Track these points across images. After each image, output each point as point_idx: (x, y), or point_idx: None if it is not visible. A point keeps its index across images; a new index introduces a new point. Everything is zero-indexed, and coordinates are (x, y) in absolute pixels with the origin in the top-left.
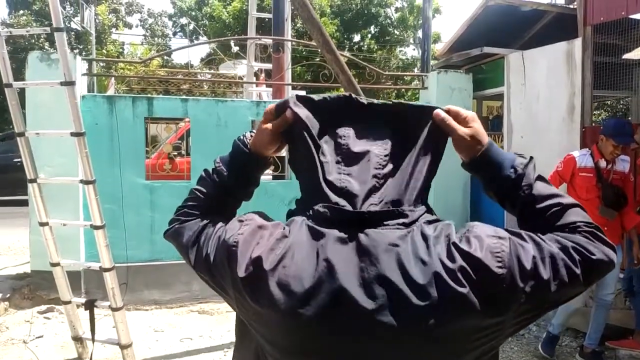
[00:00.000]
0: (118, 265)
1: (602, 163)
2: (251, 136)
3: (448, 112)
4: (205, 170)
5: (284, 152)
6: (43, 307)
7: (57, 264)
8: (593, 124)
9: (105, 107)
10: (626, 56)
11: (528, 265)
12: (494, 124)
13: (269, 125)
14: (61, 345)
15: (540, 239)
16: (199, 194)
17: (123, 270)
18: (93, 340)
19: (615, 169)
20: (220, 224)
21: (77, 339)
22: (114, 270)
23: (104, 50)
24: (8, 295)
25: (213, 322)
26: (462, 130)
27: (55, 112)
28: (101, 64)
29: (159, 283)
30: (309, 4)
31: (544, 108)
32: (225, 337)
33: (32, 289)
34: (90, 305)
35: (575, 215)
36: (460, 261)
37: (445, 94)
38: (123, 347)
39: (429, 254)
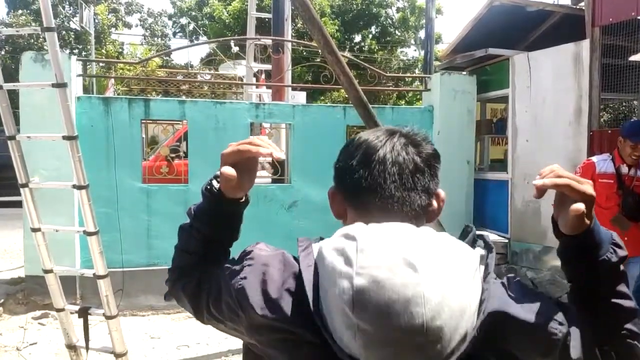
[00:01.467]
0: (114, 270)
1: (624, 169)
2: (217, 181)
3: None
4: (182, 227)
5: (283, 155)
6: (37, 313)
7: (50, 271)
8: (600, 128)
9: (101, 108)
10: (632, 58)
11: (574, 354)
12: (498, 127)
13: (228, 170)
14: (55, 353)
15: (590, 329)
16: (183, 252)
17: (119, 275)
18: (87, 348)
19: (638, 176)
20: (218, 272)
21: (71, 347)
22: (108, 277)
23: (103, 50)
24: (2, 300)
25: (210, 328)
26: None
27: (49, 114)
28: (101, 65)
29: (156, 288)
30: (310, 3)
31: (549, 111)
32: (223, 344)
33: (27, 294)
34: (84, 313)
35: (632, 324)
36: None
37: (448, 96)
38: (118, 356)
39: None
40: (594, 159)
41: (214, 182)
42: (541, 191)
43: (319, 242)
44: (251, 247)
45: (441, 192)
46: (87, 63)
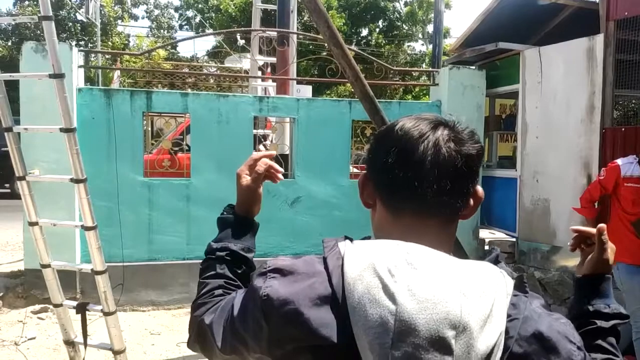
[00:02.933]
0: (114, 265)
1: None
2: (231, 208)
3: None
4: (204, 261)
5: (287, 150)
6: (37, 307)
7: (48, 265)
8: (613, 125)
9: (103, 100)
10: None
11: None
12: (507, 123)
13: (249, 182)
14: (53, 348)
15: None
16: (207, 279)
17: (119, 269)
18: (85, 345)
19: None
20: (241, 290)
21: (69, 343)
22: (107, 273)
23: (109, 42)
24: (1, 294)
25: None
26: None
27: (49, 105)
28: (107, 57)
29: (157, 283)
30: None
31: (561, 107)
32: None
33: (26, 287)
34: (82, 309)
35: None
36: None
37: (456, 91)
38: (116, 353)
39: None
40: (619, 161)
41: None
42: (578, 240)
43: (346, 243)
44: (272, 260)
45: (479, 190)
46: (92, 54)
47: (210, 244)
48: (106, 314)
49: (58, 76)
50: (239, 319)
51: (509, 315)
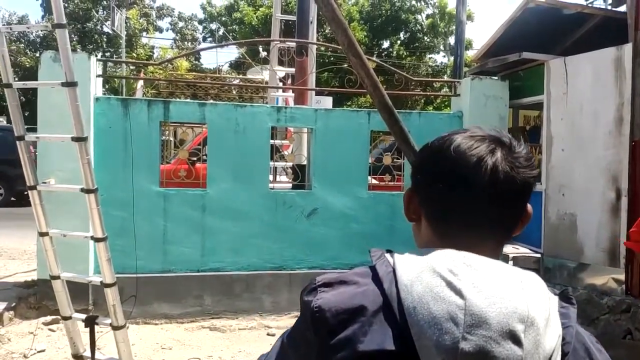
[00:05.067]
0: (128, 276)
1: None
2: None
3: None
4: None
5: (304, 161)
6: (48, 318)
7: (57, 277)
8: None
9: (120, 110)
10: None
11: None
12: (531, 135)
13: None
14: None
15: None
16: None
17: (132, 280)
18: (93, 359)
19: None
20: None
21: (78, 357)
22: (116, 286)
23: (134, 54)
24: (14, 304)
25: (224, 340)
26: None
27: (67, 114)
28: (131, 67)
29: (170, 296)
30: (334, 3)
31: (588, 119)
32: (236, 359)
33: (39, 298)
34: (90, 323)
35: None
36: None
37: (478, 102)
38: None
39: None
40: None
41: None
42: None
43: (394, 253)
44: (320, 276)
45: (529, 208)
46: (116, 64)
47: None
48: (115, 328)
49: (71, 84)
50: (288, 341)
51: (562, 323)
